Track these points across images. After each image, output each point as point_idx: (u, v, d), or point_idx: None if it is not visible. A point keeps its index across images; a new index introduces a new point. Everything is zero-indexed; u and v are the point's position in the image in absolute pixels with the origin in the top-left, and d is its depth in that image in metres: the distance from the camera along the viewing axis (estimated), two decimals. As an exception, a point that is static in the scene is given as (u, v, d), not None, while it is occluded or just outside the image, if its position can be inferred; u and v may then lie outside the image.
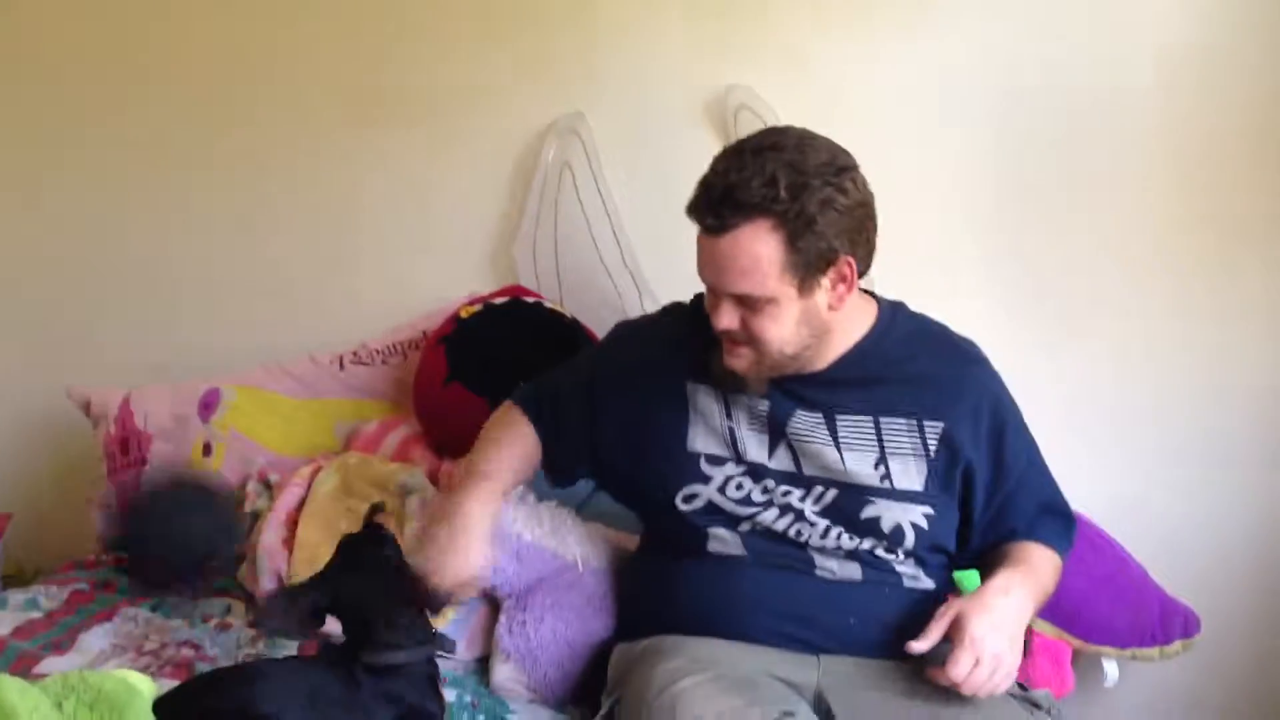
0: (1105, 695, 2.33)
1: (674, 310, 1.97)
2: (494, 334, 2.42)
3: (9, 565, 2.73)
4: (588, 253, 2.59)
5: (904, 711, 1.66)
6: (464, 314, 2.53)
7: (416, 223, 2.72)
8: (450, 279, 2.66)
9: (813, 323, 1.72)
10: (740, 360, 1.76)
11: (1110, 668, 2.28)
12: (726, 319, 1.72)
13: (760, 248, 1.64)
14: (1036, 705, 1.73)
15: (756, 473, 1.81)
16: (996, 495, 1.84)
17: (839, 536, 1.78)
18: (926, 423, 1.79)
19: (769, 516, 1.80)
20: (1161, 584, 2.29)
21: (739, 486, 1.81)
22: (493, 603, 2.05)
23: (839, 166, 1.66)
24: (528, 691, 1.97)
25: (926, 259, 2.41)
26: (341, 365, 2.62)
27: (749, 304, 1.69)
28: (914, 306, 1.91)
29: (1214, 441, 2.41)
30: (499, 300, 2.54)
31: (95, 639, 2.01)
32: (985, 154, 2.45)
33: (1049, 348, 2.44)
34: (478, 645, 2.05)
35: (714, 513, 1.83)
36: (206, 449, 2.55)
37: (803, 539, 1.79)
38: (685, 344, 1.85)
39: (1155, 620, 2.25)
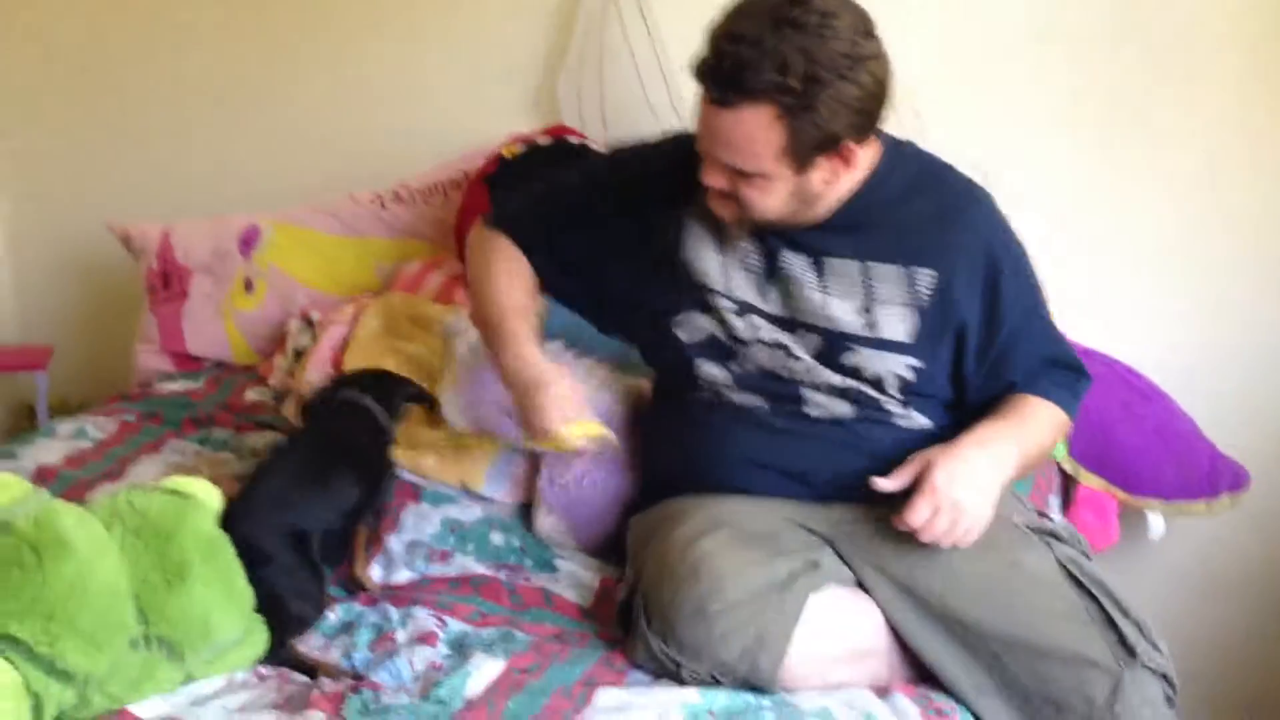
0: (1150, 549, 2.33)
1: (679, 139, 1.86)
2: (539, 174, 2.37)
3: (53, 398, 2.75)
4: (634, 92, 2.52)
5: (916, 554, 1.64)
6: (507, 153, 2.49)
7: (457, 59, 2.67)
8: (492, 118, 2.61)
9: (803, 195, 1.67)
10: (723, 210, 1.72)
11: (1155, 521, 2.28)
12: (714, 179, 1.67)
13: (759, 131, 1.58)
14: (1056, 536, 1.71)
15: (746, 310, 1.77)
16: (991, 347, 1.76)
17: (825, 374, 1.75)
18: (917, 269, 1.72)
19: (757, 352, 1.77)
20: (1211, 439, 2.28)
21: (731, 320, 1.78)
22: (532, 453, 2.05)
23: (858, 57, 1.56)
24: (571, 540, 1.98)
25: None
26: (383, 205, 2.59)
27: (740, 172, 1.64)
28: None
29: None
30: (543, 140, 2.49)
31: (144, 469, 2.03)
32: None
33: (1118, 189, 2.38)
34: (520, 492, 2.05)
35: (707, 345, 1.80)
36: (248, 285, 2.54)
37: (792, 376, 1.76)
38: (687, 175, 1.76)
39: (1203, 474, 2.25)
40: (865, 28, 1.59)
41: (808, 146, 1.60)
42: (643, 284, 1.85)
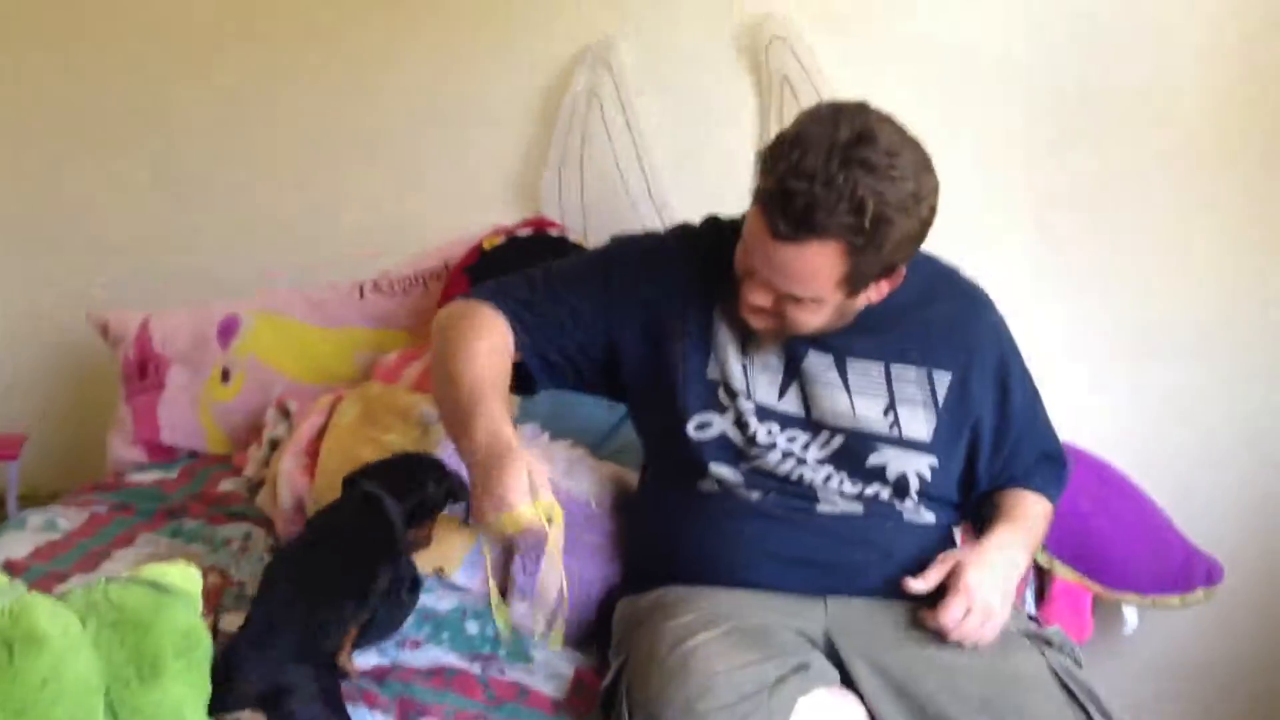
0: (1123, 642, 2.33)
1: (685, 235, 1.88)
2: (517, 265, 2.38)
3: (25, 487, 2.72)
4: (614, 185, 2.56)
5: (913, 651, 1.67)
6: (487, 245, 2.51)
7: (439, 151, 2.69)
8: (474, 210, 2.64)
9: (846, 312, 1.71)
10: (761, 324, 1.73)
11: (1130, 615, 2.28)
12: (760, 299, 1.68)
13: (824, 265, 1.60)
14: (1048, 642, 1.73)
15: (764, 414, 1.78)
16: (1003, 446, 1.84)
17: (840, 484, 1.77)
18: (936, 372, 1.78)
19: (773, 458, 1.78)
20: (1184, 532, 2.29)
21: (750, 424, 1.78)
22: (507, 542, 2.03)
23: (921, 195, 1.59)
24: (546, 630, 1.96)
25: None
26: (361, 294, 2.60)
27: (790, 296, 1.66)
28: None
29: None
30: (523, 232, 2.52)
31: (117, 565, 2.00)
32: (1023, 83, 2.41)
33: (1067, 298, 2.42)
34: (496, 580, 2.04)
35: (722, 446, 1.80)
36: (225, 375, 2.53)
37: (804, 482, 1.78)
38: (703, 272, 1.79)
39: (1178, 567, 2.25)
40: (926, 162, 1.62)
41: (867, 277, 1.64)
42: (653, 378, 1.83)
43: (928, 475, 1.78)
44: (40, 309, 2.90)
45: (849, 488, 1.77)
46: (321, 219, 2.77)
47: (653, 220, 2.54)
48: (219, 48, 2.75)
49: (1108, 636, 2.32)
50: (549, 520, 1.61)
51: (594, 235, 2.52)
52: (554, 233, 2.52)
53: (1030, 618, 1.86)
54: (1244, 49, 2.31)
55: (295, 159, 2.78)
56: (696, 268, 1.80)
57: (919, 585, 1.67)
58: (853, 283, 1.63)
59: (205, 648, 1.52)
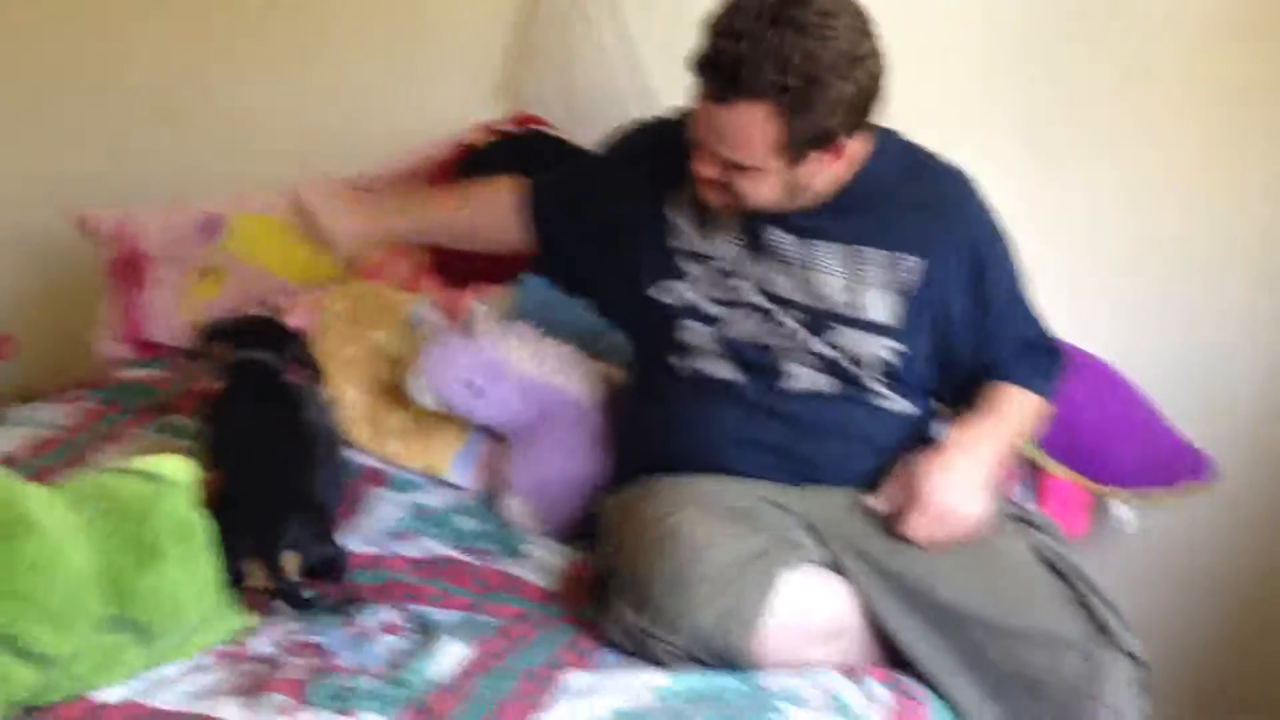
0: (1119, 542, 2.33)
1: (664, 123, 1.91)
2: (510, 164, 2.35)
3: (12, 386, 2.71)
4: (598, 81, 2.50)
5: (895, 539, 1.68)
6: (478, 142, 2.47)
7: (418, 49, 2.64)
8: (451, 108, 2.58)
9: (794, 186, 1.69)
10: (714, 198, 1.74)
11: (1122, 512, 2.28)
12: (706, 169, 1.69)
13: (755, 127, 1.60)
14: (1030, 523, 1.75)
15: (728, 275, 1.79)
16: (977, 331, 1.80)
17: (806, 341, 1.76)
18: (903, 256, 1.75)
19: (738, 316, 1.78)
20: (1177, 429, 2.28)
21: (713, 285, 1.79)
22: (498, 438, 2.04)
23: (856, 56, 1.58)
24: (537, 524, 1.97)
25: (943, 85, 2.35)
26: (345, 193, 2.56)
27: (733, 164, 1.66)
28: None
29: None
30: (515, 129, 2.48)
31: (106, 458, 1.99)
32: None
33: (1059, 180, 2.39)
34: (485, 478, 2.05)
35: (686, 309, 1.81)
36: (208, 273, 2.51)
37: (775, 343, 1.77)
38: (661, 159, 1.81)
39: (1163, 462, 2.25)
40: (864, 26, 1.60)
41: (801, 143, 1.62)
42: (632, 253, 1.85)
43: (893, 359, 1.77)
44: (19, 206, 2.86)
45: (819, 347, 1.76)
46: (298, 118, 2.72)
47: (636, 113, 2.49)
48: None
49: (1104, 536, 2.32)
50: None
51: (578, 132, 2.47)
52: (550, 133, 2.48)
53: (1012, 503, 1.86)
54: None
55: (271, 56, 2.72)
56: (655, 155, 1.83)
57: (878, 506, 1.68)
58: (790, 150, 1.62)
59: (202, 537, 1.52)
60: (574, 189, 1.94)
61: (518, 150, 2.38)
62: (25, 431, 2.08)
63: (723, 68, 1.58)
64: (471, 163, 2.41)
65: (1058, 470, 2.22)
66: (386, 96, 2.68)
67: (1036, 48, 2.35)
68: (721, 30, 1.59)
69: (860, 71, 1.59)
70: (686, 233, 1.81)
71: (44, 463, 1.97)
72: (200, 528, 1.53)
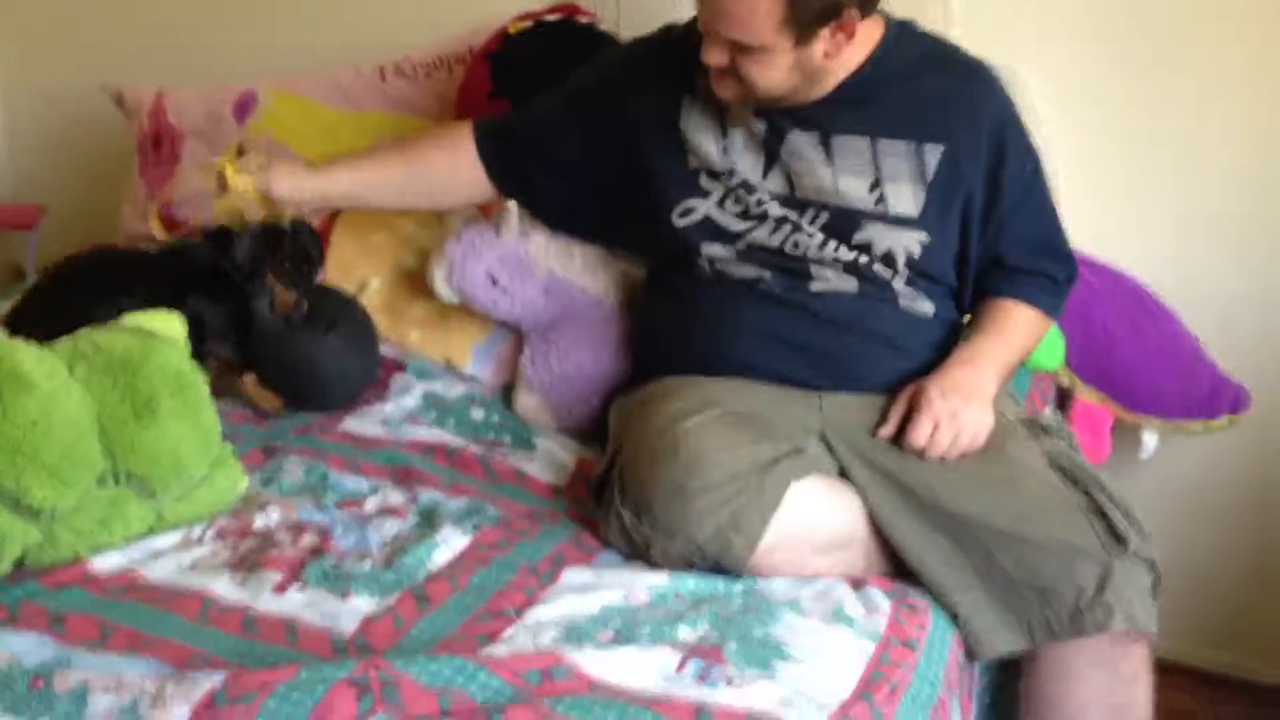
0: (1141, 467, 2.29)
1: (665, 31, 1.89)
2: (542, 51, 2.31)
3: (42, 258, 2.72)
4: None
5: (905, 453, 1.65)
6: (512, 30, 2.42)
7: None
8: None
9: (806, 69, 1.66)
10: (726, 90, 1.71)
11: (1149, 438, 2.24)
12: (715, 56, 1.66)
13: (760, 2, 1.57)
14: (1045, 430, 1.73)
15: (750, 190, 1.76)
16: (992, 218, 1.78)
17: (836, 249, 1.75)
18: (926, 145, 1.73)
19: (763, 232, 1.76)
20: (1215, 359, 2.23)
21: (736, 201, 1.77)
22: (519, 334, 2.02)
23: None
24: (552, 420, 1.95)
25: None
26: (383, 77, 2.52)
27: (740, 47, 1.63)
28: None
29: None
30: (551, 17, 2.42)
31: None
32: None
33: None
34: (505, 373, 2.04)
35: (710, 229, 1.79)
36: (241, 151, 2.48)
37: (799, 251, 1.75)
38: (679, 62, 1.77)
39: (1204, 394, 2.20)
40: None
41: (808, 16, 1.59)
42: (638, 178, 1.83)
43: (917, 251, 1.75)
44: (54, 81, 2.85)
45: (845, 253, 1.74)
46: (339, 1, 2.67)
47: (688, 8, 2.42)
48: None
49: (1126, 460, 2.28)
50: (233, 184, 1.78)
51: (625, 23, 2.41)
52: (583, 20, 2.42)
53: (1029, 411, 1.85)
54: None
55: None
56: (662, 65, 1.81)
57: (885, 430, 1.66)
58: (797, 25, 1.59)
59: (198, 390, 1.52)
60: (548, 126, 1.90)
61: (548, 38, 2.33)
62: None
63: None
64: (505, 50, 2.35)
65: (1089, 395, 2.17)
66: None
67: None
68: None
69: None
70: (704, 149, 1.78)
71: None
72: (196, 381, 1.53)
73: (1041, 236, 1.82)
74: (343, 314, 1.95)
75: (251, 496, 1.60)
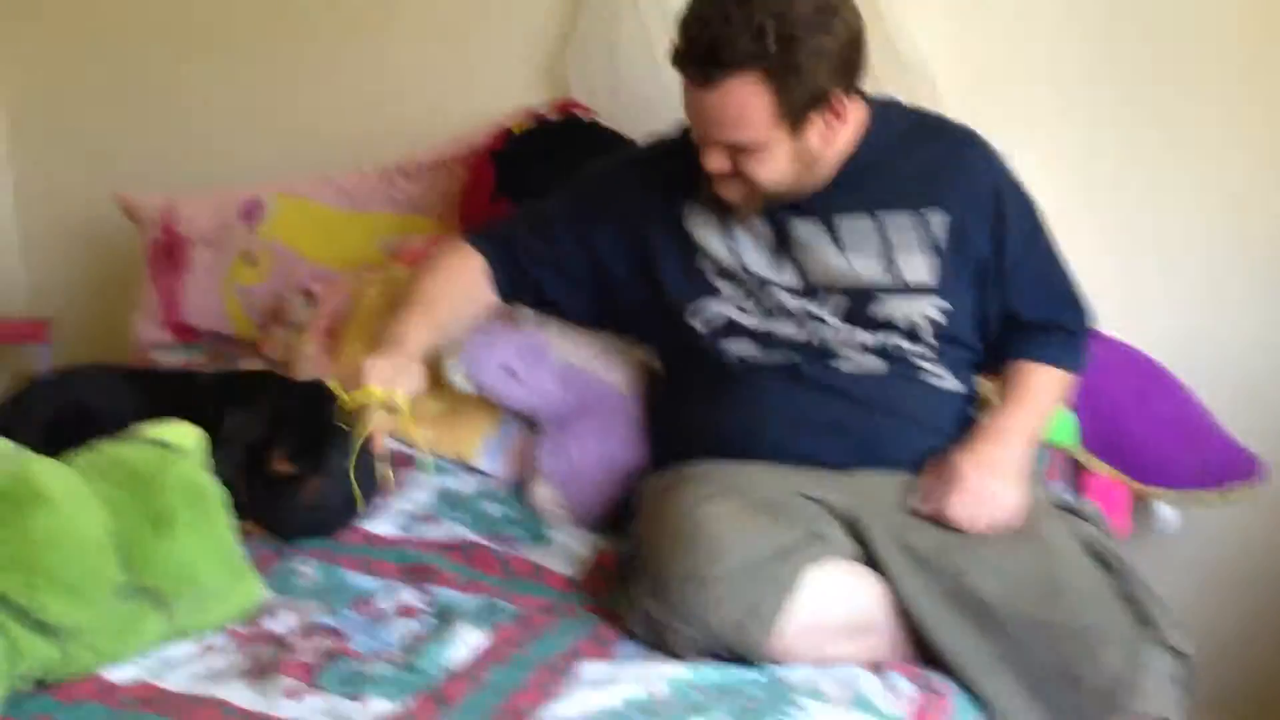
0: (1164, 543, 2.27)
1: (658, 141, 1.94)
2: (545, 150, 2.34)
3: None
4: (644, 64, 2.47)
5: (939, 529, 1.65)
6: (515, 128, 2.46)
7: (467, 32, 2.63)
8: (501, 93, 2.57)
9: (804, 158, 1.70)
10: (731, 192, 1.75)
11: (1166, 512, 2.22)
12: (716, 162, 1.70)
13: (749, 99, 1.61)
14: (1079, 515, 1.73)
15: (763, 285, 1.78)
16: (1000, 277, 1.81)
17: (858, 336, 1.76)
18: (928, 212, 1.77)
19: (786, 327, 1.78)
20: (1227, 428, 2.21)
21: (753, 299, 1.79)
22: (530, 427, 2.02)
23: (827, 8, 1.61)
24: (566, 513, 1.95)
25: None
26: (387, 178, 2.56)
27: (739, 148, 1.67)
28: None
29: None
30: (552, 115, 2.46)
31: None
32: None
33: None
34: (516, 467, 2.03)
35: (729, 327, 1.81)
36: (250, 258, 2.51)
37: (821, 340, 1.77)
38: (678, 168, 1.81)
39: (1213, 463, 2.18)
40: None
41: (798, 105, 1.63)
42: (650, 284, 1.86)
43: (940, 318, 1.77)
44: (64, 192, 2.90)
45: (867, 338, 1.76)
46: (343, 104, 2.73)
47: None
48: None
49: (1149, 536, 2.26)
50: (388, 409, 1.68)
51: (625, 119, 2.45)
52: (583, 116, 2.46)
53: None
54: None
55: (319, 42, 2.73)
56: (661, 173, 1.85)
57: (919, 505, 1.67)
58: (789, 115, 1.63)
59: (214, 501, 1.52)
60: (557, 245, 1.90)
61: (551, 137, 2.36)
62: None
63: (701, 52, 1.61)
64: (508, 149, 2.39)
65: (1101, 468, 2.16)
66: (434, 80, 2.67)
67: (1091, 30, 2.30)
68: (692, 19, 1.63)
69: (836, 22, 1.62)
70: (712, 249, 1.80)
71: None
72: (212, 492, 1.53)
73: (1051, 286, 1.86)
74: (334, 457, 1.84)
75: (265, 600, 1.60)
